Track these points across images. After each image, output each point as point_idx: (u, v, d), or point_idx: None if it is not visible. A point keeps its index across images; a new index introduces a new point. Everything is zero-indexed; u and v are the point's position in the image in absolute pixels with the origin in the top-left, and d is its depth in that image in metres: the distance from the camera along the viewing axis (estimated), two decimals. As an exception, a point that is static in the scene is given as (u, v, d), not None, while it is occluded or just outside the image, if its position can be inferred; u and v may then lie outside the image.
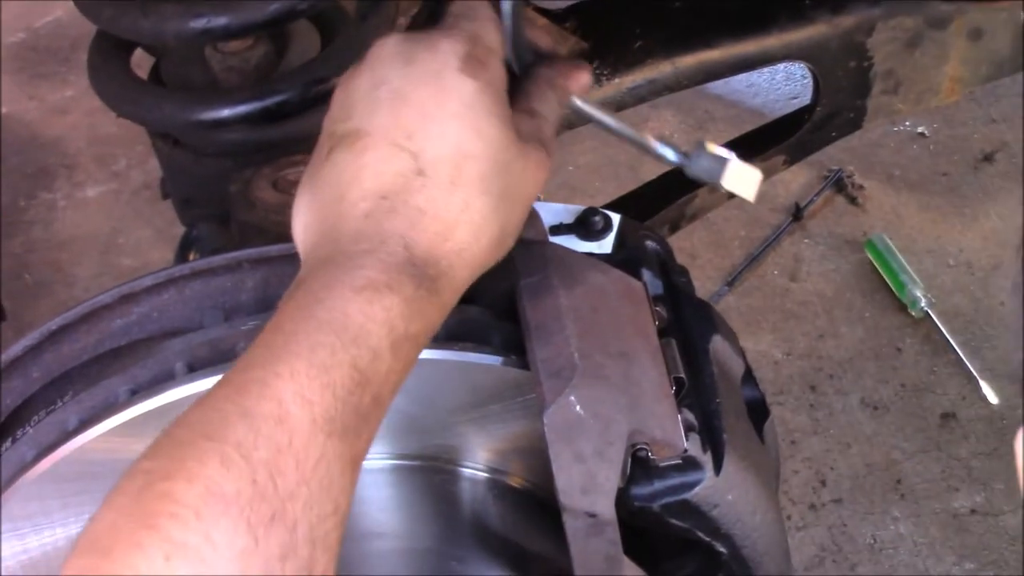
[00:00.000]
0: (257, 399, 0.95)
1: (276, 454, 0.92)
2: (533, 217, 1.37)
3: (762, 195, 3.60)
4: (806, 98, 2.08)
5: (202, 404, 0.97)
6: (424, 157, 1.10)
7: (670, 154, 1.36)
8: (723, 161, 1.32)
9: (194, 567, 0.86)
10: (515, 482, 1.36)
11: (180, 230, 1.94)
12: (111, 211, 3.90)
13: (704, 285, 3.53)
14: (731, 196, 1.38)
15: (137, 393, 1.18)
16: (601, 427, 1.12)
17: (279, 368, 0.97)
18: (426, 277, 1.06)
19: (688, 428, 1.19)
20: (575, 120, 1.81)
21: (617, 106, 1.87)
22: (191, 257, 1.87)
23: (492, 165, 1.12)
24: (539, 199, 1.45)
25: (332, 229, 1.09)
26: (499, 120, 1.14)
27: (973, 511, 3.06)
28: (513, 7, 1.20)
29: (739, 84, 4.15)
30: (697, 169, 1.34)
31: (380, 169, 1.10)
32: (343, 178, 1.11)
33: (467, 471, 1.35)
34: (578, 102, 1.34)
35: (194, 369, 1.18)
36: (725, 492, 1.21)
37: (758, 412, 1.38)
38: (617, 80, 1.85)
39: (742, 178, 1.33)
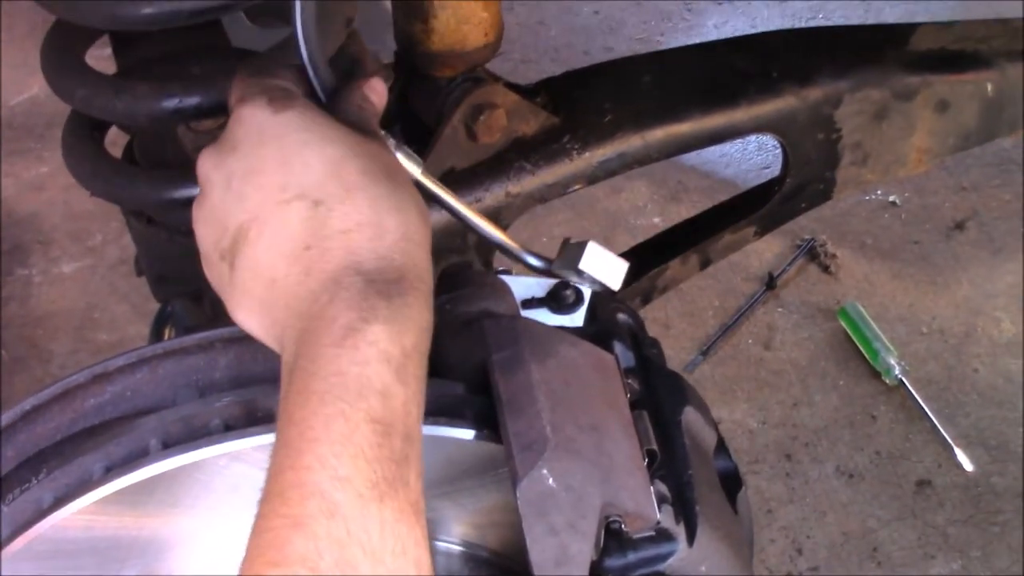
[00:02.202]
0: (300, 502, 0.94)
1: (341, 551, 0.92)
2: (504, 291, 1.38)
3: (735, 265, 3.64)
4: (778, 168, 2.10)
5: (257, 527, 0.95)
6: (309, 191, 1.11)
7: (536, 261, 1.38)
8: (581, 247, 1.33)
9: None
10: (490, 555, 1.36)
11: (156, 305, 1.95)
12: (87, 287, 3.90)
13: (678, 355, 3.54)
14: (599, 286, 1.38)
15: (112, 470, 1.18)
16: (574, 500, 1.13)
17: (306, 461, 0.96)
18: (391, 283, 1.07)
19: (661, 500, 1.19)
20: (547, 193, 1.84)
21: (589, 180, 1.88)
22: (167, 333, 1.87)
23: (363, 158, 1.14)
24: (511, 273, 1.46)
25: (285, 310, 1.09)
26: (336, 125, 1.17)
27: (950, 579, 3.06)
28: (304, 33, 1.27)
29: (712, 155, 4.18)
30: (558, 263, 1.36)
31: (286, 232, 1.10)
32: (261, 268, 1.11)
33: (442, 545, 1.35)
34: (457, 206, 1.37)
35: (168, 445, 1.18)
36: (699, 563, 1.21)
37: (731, 483, 1.38)
38: (588, 154, 1.86)
39: (602, 263, 1.34)
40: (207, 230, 1.18)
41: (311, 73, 1.28)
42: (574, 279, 1.37)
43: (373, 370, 1.01)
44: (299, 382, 1.02)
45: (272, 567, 0.91)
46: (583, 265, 1.33)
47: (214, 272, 1.17)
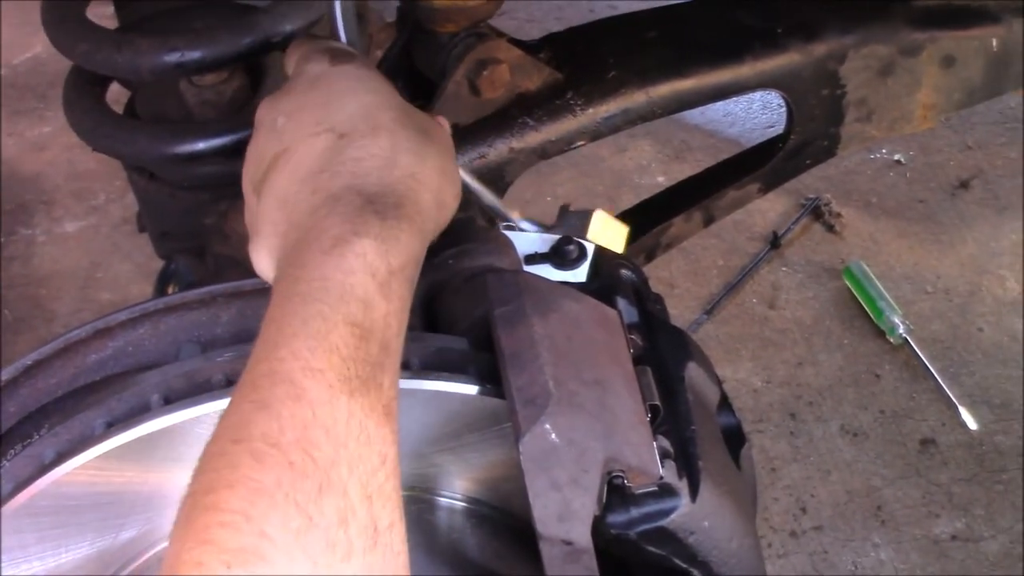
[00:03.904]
0: (270, 388, 0.96)
1: (304, 431, 0.93)
2: (506, 246, 1.37)
3: (740, 224, 3.63)
4: (783, 127, 2.09)
5: (224, 413, 0.98)
6: (339, 126, 1.17)
7: (532, 228, 1.40)
8: (586, 216, 1.35)
9: (255, 567, 0.87)
10: (492, 511, 1.36)
11: (159, 264, 1.94)
12: (90, 246, 3.90)
13: (683, 314, 3.54)
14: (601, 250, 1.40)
15: (113, 425, 1.17)
16: (576, 455, 1.12)
17: (280, 353, 0.98)
18: (388, 206, 1.10)
19: (664, 455, 1.19)
20: (550, 149, 1.83)
21: (592, 136, 1.87)
22: (170, 290, 1.87)
23: (399, 110, 1.20)
24: (514, 229, 1.46)
25: (290, 226, 1.13)
26: (385, 82, 1.25)
27: (954, 537, 3.06)
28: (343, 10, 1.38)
29: (716, 114, 4.17)
30: (563, 229, 1.38)
31: (308, 158, 1.15)
32: (277, 191, 1.16)
33: (444, 500, 1.35)
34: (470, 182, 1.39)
35: (170, 401, 1.18)
36: (701, 519, 1.21)
37: (735, 439, 1.38)
38: (591, 110, 1.85)
39: (607, 230, 1.36)
40: (248, 168, 1.24)
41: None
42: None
43: (357, 279, 1.03)
44: (284, 287, 1.05)
45: (233, 444, 0.93)
46: (590, 235, 1.35)
47: (248, 210, 1.22)
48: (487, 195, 1.40)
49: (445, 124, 1.32)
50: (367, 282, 1.03)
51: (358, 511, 0.92)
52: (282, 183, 1.16)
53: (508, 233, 1.42)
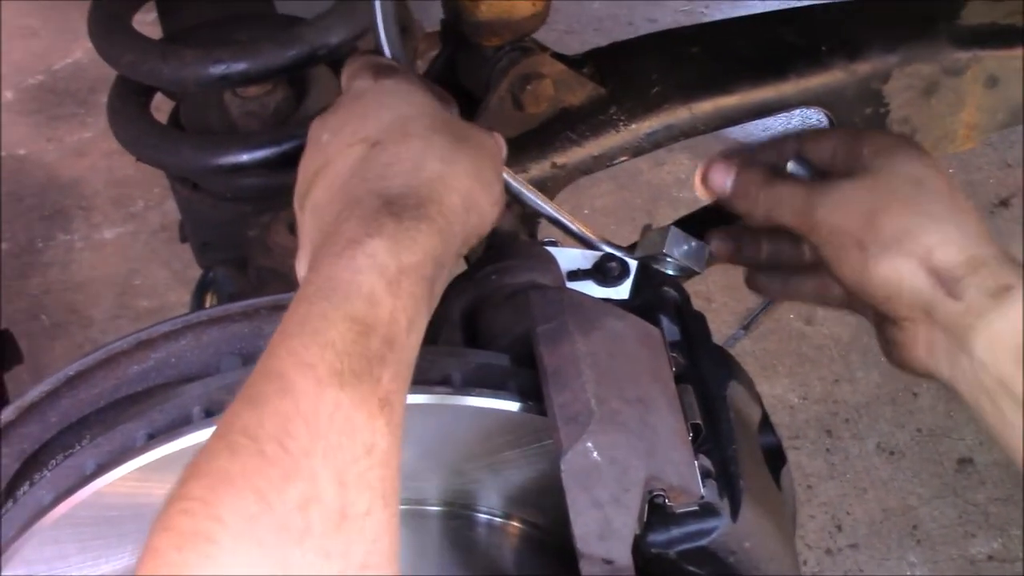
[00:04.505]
0: (263, 385, 0.98)
1: (284, 422, 0.94)
2: (549, 262, 1.37)
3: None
4: (822, 143, 2.08)
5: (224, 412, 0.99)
6: (373, 135, 1.18)
7: (611, 249, 1.41)
8: (665, 232, 1.36)
9: (202, 549, 0.88)
10: (532, 528, 1.36)
11: (197, 272, 1.95)
12: (128, 253, 3.91)
13: (719, 329, 3.53)
14: (683, 270, 1.42)
15: (155, 437, 1.17)
16: (618, 473, 1.12)
17: (278, 352, 1.00)
18: (407, 207, 1.11)
19: (705, 474, 1.18)
20: (593, 165, 1.82)
21: (635, 151, 1.87)
22: (208, 300, 1.87)
23: (436, 118, 1.22)
24: (557, 244, 1.46)
25: (319, 233, 1.15)
26: (428, 93, 1.27)
27: (990, 557, 3.04)
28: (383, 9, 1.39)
29: (754, 128, 4.13)
30: (641, 247, 1.39)
31: (343, 168, 1.18)
32: (315, 202, 1.19)
33: (484, 516, 1.35)
34: (539, 202, 1.39)
35: (212, 414, 1.18)
36: (742, 539, 1.20)
37: (775, 458, 1.38)
38: (634, 126, 1.85)
39: (687, 247, 1.37)
40: (297, 185, 1.25)
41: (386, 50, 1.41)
42: (658, 264, 1.40)
43: (364, 278, 1.04)
44: (299, 292, 1.06)
45: (217, 439, 0.95)
46: (667, 249, 1.35)
47: (298, 225, 1.24)
48: (564, 220, 1.42)
49: (500, 140, 1.32)
50: (374, 280, 1.04)
51: (324, 496, 0.92)
52: (320, 195, 1.18)
53: (551, 249, 1.42)
